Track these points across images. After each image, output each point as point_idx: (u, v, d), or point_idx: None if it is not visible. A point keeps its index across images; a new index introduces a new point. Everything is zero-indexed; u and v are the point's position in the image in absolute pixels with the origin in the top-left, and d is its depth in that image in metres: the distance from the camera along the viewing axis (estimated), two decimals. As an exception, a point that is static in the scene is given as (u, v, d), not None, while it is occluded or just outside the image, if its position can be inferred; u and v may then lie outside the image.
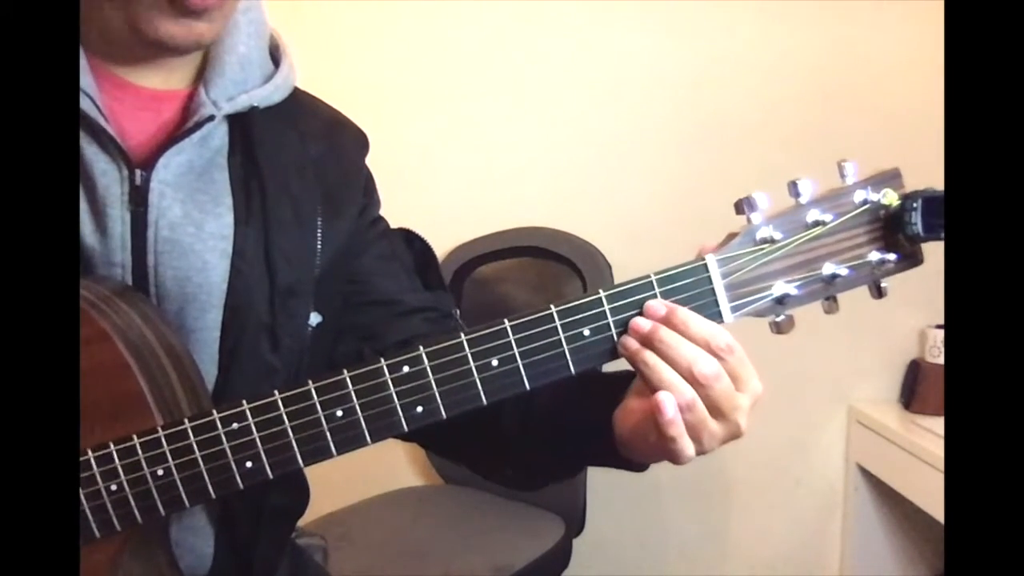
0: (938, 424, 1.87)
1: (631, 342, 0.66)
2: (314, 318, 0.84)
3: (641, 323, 0.66)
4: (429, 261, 0.95)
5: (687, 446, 0.65)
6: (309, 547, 1.02)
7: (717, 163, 2.02)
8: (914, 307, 1.98)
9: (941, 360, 1.97)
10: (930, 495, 1.77)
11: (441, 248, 2.03)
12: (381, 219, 0.93)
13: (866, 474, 2.09)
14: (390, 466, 2.09)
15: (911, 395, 2.01)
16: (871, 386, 2.11)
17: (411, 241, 0.95)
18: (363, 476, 1.93)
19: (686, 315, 0.66)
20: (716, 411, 0.65)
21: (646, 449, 0.69)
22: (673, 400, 0.64)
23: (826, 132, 1.99)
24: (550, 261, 2.00)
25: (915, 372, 2.02)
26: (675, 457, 0.66)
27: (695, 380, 0.64)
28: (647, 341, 0.66)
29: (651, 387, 0.66)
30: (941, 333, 1.97)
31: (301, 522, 0.98)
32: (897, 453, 1.89)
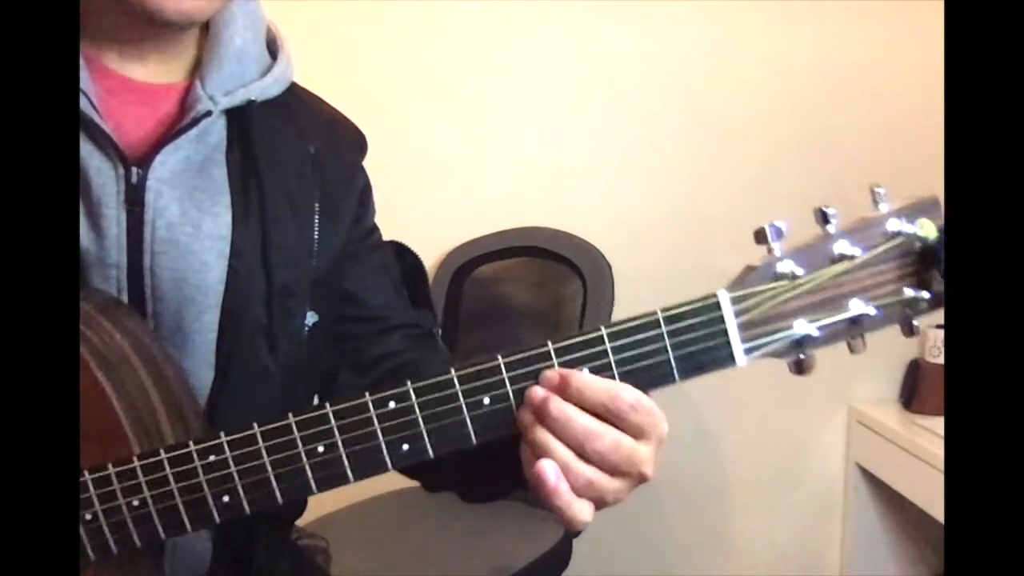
0: (938, 424, 1.87)
1: (525, 416, 0.62)
2: (311, 318, 0.83)
3: (534, 393, 0.62)
4: (418, 277, 0.94)
5: (578, 513, 0.61)
6: (310, 548, 1.01)
7: (718, 163, 2.02)
8: (914, 307, 1.98)
9: (941, 360, 1.97)
10: (930, 495, 1.77)
11: (441, 248, 2.03)
12: (375, 230, 0.92)
13: (866, 474, 2.09)
14: (390, 466, 2.08)
15: (911, 395, 2.01)
16: (871, 386, 2.11)
17: (402, 255, 0.94)
18: (363, 476, 1.92)
19: (581, 382, 0.61)
20: (617, 473, 0.61)
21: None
22: (554, 467, 0.60)
23: (827, 133, 2.00)
24: (550, 261, 2.00)
25: (915, 372, 2.02)
26: (569, 525, 0.62)
27: (588, 457, 0.60)
28: (540, 415, 0.61)
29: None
30: (941, 333, 1.97)
31: (300, 522, 0.97)
32: (897, 453, 1.89)
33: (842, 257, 0.62)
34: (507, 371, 0.62)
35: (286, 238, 0.80)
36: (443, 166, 2.04)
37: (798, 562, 2.19)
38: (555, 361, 0.62)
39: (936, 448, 1.76)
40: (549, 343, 0.62)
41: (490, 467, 0.75)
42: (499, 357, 0.62)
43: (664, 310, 0.62)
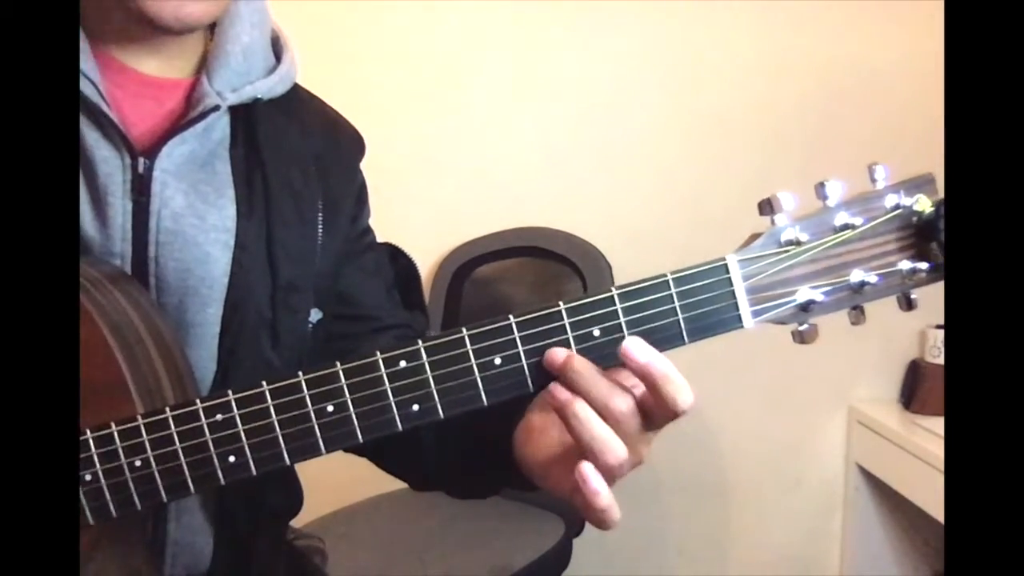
0: (938, 424, 1.87)
1: (561, 392, 0.61)
2: (315, 314, 0.83)
3: (555, 353, 0.62)
4: (412, 279, 0.94)
5: (616, 512, 0.61)
6: (308, 549, 1.01)
7: (717, 163, 2.02)
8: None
9: (941, 360, 1.97)
10: (930, 495, 1.77)
11: (441, 248, 2.04)
12: (370, 231, 0.92)
13: (866, 474, 2.09)
14: (390, 466, 2.08)
15: (911, 395, 2.01)
16: (871, 386, 2.11)
17: (396, 257, 0.94)
18: (363, 476, 1.92)
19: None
20: (628, 440, 0.61)
21: (562, 491, 0.64)
22: (594, 470, 0.60)
23: (827, 133, 1.99)
24: (550, 261, 2.00)
25: (915, 372, 2.02)
26: (603, 525, 0.61)
27: (608, 417, 0.60)
28: (563, 372, 0.61)
29: (577, 442, 0.61)
30: (941, 333, 1.97)
31: (300, 523, 0.97)
32: (897, 453, 1.89)
33: (845, 227, 0.64)
34: (518, 331, 0.63)
35: (291, 234, 0.81)
36: (443, 166, 2.05)
37: (798, 562, 2.19)
38: (566, 321, 0.62)
39: (936, 448, 1.76)
40: (561, 303, 0.63)
41: (480, 461, 0.75)
42: (511, 317, 0.63)
43: (673, 272, 0.63)
